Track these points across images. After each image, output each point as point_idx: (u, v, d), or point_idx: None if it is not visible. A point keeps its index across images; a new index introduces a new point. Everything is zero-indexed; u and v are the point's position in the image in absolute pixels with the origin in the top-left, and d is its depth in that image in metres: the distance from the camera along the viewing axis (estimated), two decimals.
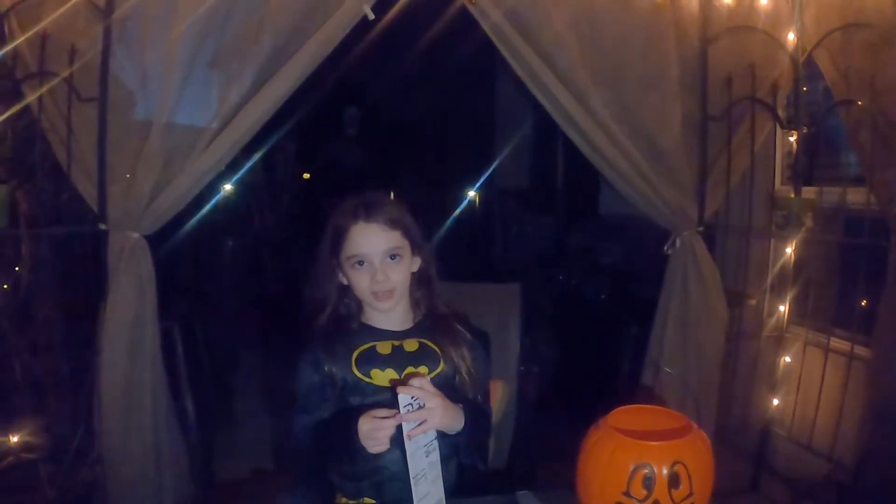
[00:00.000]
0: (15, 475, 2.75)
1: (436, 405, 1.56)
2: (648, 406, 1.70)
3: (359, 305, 1.86)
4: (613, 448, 1.54)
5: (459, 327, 1.87)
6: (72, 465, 2.79)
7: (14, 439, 2.75)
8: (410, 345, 1.81)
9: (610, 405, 1.75)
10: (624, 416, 1.67)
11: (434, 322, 1.87)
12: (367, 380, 1.74)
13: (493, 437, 2.34)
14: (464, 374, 1.82)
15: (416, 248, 1.84)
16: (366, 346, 1.78)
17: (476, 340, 1.89)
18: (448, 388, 1.78)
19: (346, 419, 1.64)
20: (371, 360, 1.76)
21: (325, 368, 1.75)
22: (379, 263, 1.75)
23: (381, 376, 1.74)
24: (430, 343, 1.82)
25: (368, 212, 1.76)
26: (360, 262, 1.75)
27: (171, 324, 3.00)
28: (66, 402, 2.85)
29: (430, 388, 1.58)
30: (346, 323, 1.83)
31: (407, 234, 1.81)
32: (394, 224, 1.77)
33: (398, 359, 1.78)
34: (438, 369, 1.80)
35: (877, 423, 2.88)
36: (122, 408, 2.72)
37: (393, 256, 1.77)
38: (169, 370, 2.91)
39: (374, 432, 1.57)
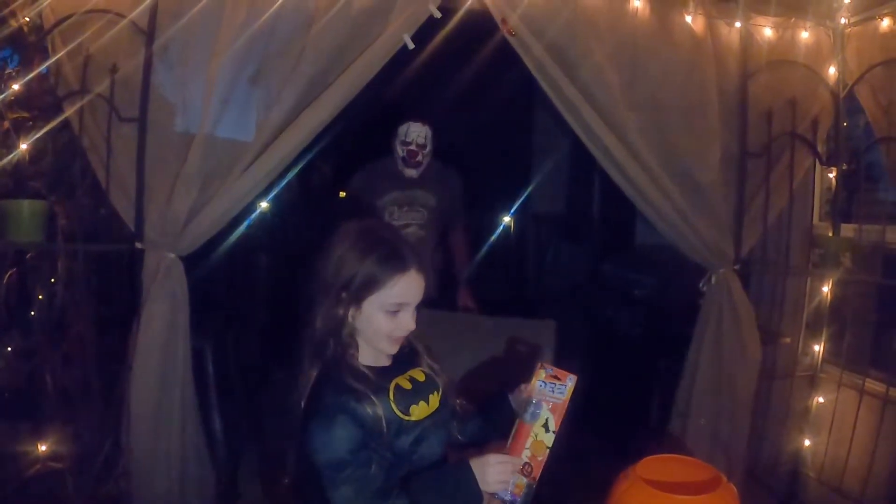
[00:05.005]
0: (42, 484, 2.77)
1: None
2: (678, 456, 1.69)
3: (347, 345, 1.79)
4: (641, 501, 1.53)
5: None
6: (98, 478, 2.81)
7: (42, 448, 2.78)
8: (418, 374, 1.85)
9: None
10: (653, 465, 1.66)
11: (412, 349, 1.90)
12: (406, 417, 1.74)
13: None
14: (451, 391, 1.92)
15: None
16: (392, 385, 1.76)
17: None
18: (449, 409, 1.89)
19: (456, 473, 1.70)
20: (404, 397, 1.76)
21: (371, 417, 1.67)
22: (412, 310, 1.75)
23: (419, 410, 1.77)
24: (424, 370, 1.88)
25: (416, 260, 1.75)
26: (397, 311, 1.73)
27: (203, 343, 3.02)
28: (96, 415, 2.88)
29: None
30: (355, 367, 1.75)
31: None
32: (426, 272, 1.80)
33: (420, 390, 1.82)
34: (441, 390, 1.87)
35: None
36: (151, 424, 2.74)
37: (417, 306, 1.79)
38: (199, 388, 2.93)
39: (504, 473, 1.67)
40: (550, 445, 1.73)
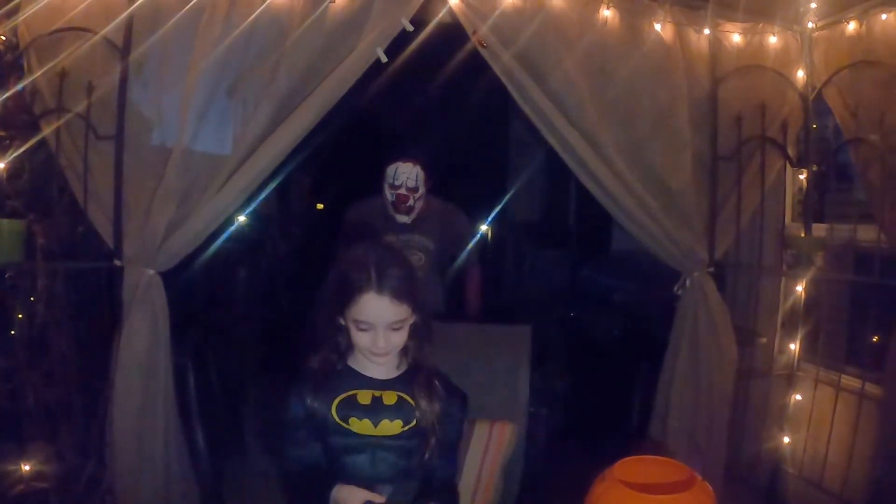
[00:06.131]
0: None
1: None
2: (654, 457, 1.71)
3: (350, 345, 1.87)
4: (617, 501, 1.55)
5: (438, 384, 1.89)
6: (83, 496, 2.80)
7: (26, 468, 2.76)
8: (389, 397, 1.84)
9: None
10: (630, 466, 1.68)
11: (416, 376, 1.88)
12: (345, 425, 1.80)
13: (504, 479, 2.36)
14: (430, 432, 1.85)
15: (416, 310, 1.83)
16: (347, 394, 1.83)
17: (453, 400, 1.91)
18: (419, 444, 1.84)
19: (322, 483, 1.80)
20: (351, 407, 1.82)
21: (309, 405, 1.81)
22: (382, 331, 1.76)
23: (359, 425, 1.81)
24: (407, 397, 1.85)
25: (382, 283, 1.74)
26: (365, 328, 1.77)
27: (185, 358, 3.02)
28: (79, 433, 2.87)
29: None
30: (333, 364, 1.88)
31: (412, 303, 1.80)
32: (403, 298, 1.76)
33: (376, 410, 1.82)
34: (412, 423, 1.83)
35: (888, 462, 2.88)
36: (134, 441, 2.74)
37: (396, 327, 1.79)
38: (181, 404, 2.93)
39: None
40: None
